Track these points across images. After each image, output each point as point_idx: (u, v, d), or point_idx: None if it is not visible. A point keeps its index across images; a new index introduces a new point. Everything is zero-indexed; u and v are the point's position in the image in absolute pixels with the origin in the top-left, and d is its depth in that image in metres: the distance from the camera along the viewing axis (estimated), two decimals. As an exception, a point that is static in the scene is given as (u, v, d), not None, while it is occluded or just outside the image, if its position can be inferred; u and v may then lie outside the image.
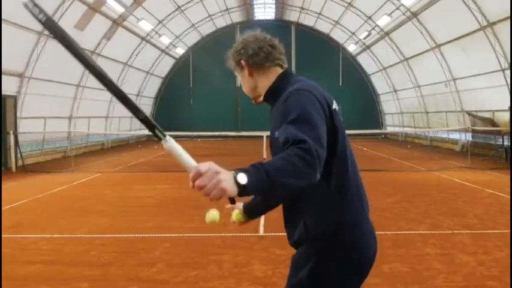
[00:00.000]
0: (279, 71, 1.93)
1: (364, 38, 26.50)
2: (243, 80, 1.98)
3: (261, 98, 1.97)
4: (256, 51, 1.88)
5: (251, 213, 2.23)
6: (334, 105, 1.81)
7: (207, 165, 1.37)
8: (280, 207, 2.03)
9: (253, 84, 1.94)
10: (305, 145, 1.44)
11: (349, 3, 23.98)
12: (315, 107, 1.64)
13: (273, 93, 1.89)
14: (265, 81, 1.91)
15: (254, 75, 1.92)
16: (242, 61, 1.91)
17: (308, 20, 29.82)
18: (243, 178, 1.34)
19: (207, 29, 29.75)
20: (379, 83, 29.61)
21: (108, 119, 23.46)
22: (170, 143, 1.54)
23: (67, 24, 15.93)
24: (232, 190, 1.33)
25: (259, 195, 2.03)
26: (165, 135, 1.55)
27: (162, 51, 27.69)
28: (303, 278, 1.78)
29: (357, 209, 1.84)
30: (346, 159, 1.79)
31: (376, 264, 4.73)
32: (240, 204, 2.21)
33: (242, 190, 1.34)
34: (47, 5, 14.53)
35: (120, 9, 18.81)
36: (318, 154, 1.45)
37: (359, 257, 1.82)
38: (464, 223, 6.45)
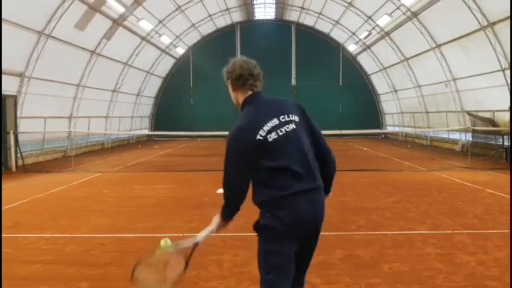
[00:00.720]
0: (249, 93, 2.68)
1: (365, 38, 26.50)
2: (230, 91, 2.77)
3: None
4: (238, 77, 2.65)
5: None
6: (269, 127, 2.51)
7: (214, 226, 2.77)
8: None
9: (234, 97, 2.76)
10: (224, 201, 2.81)
11: (350, 3, 23.98)
12: (234, 159, 2.58)
13: (242, 109, 2.70)
14: (241, 97, 2.70)
15: (235, 92, 2.72)
16: (228, 80, 2.71)
17: (308, 20, 29.81)
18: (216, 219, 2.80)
19: (207, 28, 29.75)
20: (380, 83, 29.61)
21: (108, 118, 23.46)
22: (200, 238, 2.72)
23: (67, 23, 15.95)
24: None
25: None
26: (197, 244, 2.72)
27: (163, 51, 27.69)
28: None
29: (275, 196, 2.55)
30: (273, 170, 2.50)
31: (376, 264, 4.71)
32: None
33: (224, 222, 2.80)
34: (47, 5, 14.57)
35: (121, 9, 18.80)
36: (230, 203, 2.80)
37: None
38: (465, 223, 6.45)
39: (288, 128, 2.53)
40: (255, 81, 2.66)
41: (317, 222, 2.54)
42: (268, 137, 2.49)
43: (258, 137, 2.48)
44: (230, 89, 2.74)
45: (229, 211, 2.73)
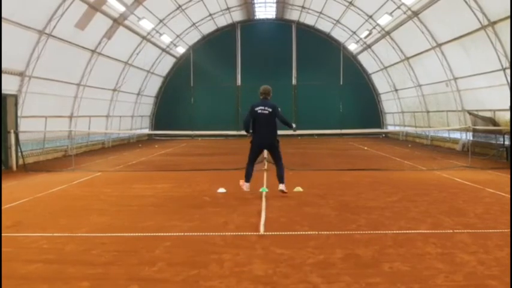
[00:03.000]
0: (261, 97, 8.80)
1: (365, 37, 26.49)
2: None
3: None
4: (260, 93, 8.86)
5: None
6: (259, 109, 8.61)
7: None
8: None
9: None
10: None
11: (350, 2, 23.97)
12: (249, 111, 8.73)
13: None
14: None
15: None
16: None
17: (309, 19, 29.81)
18: None
19: (207, 28, 29.76)
20: (380, 82, 29.61)
21: (109, 118, 23.47)
22: None
23: (68, 23, 15.95)
24: None
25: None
26: None
27: (163, 50, 27.70)
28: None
29: (255, 132, 8.69)
30: (255, 122, 8.65)
31: (377, 263, 4.73)
32: None
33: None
34: (47, 4, 14.57)
35: (121, 8, 18.81)
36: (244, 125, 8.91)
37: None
38: (465, 222, 6.45)
39: (264, 111, 8.53)
40: (260, 94, 8.82)
41: (266, 142, 8.72)
42: (258, 110, 8.55)
43: (256, 109, 8.59)
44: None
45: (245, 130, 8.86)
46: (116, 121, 24.51)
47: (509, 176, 10.64)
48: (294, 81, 31.16)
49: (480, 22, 15.22)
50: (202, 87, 30.85)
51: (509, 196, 8.28)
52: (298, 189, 9.17)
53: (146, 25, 22.07)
